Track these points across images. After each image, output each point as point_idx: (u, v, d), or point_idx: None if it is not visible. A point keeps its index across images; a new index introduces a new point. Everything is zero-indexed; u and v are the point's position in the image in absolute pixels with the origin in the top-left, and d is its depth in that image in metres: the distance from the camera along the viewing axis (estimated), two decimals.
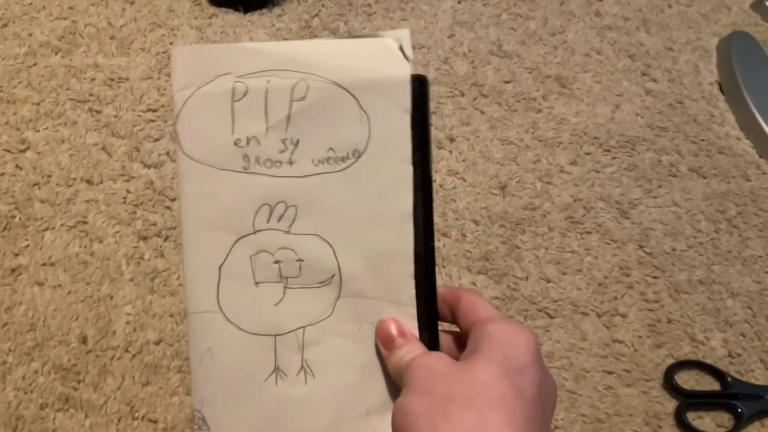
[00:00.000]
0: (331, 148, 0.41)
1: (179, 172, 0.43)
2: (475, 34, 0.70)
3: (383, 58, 0.41)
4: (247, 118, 0.42)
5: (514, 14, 0.72)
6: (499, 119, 0.65)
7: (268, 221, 0.42)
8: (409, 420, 0.34)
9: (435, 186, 0.60)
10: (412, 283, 0.41)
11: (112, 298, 0.52)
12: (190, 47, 0.44)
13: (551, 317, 0.55)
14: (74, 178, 0.56)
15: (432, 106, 0.64)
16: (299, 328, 0.43)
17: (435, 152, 0.62)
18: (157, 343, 0.50)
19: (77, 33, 0.63)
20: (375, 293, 0.42)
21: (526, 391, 0.34)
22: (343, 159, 0.41)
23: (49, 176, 0.56)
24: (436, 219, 0.58)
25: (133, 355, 0.50)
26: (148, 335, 0.50)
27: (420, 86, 0.40)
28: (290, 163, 0.42)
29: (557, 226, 0.59)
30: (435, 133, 0.63)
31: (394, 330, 0.40)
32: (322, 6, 0.69)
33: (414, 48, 0.68)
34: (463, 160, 0.62)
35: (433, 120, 0.64)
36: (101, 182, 0.56)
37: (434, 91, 0.65)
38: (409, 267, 0.41)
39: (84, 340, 0.50)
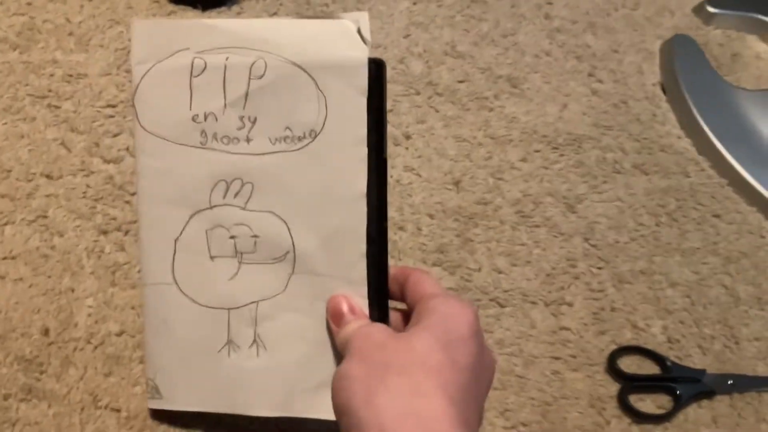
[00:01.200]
0: (288, 127, 0.42)
1: (136, 146, 0.44)
2: (429, 34, 0.72)
3: (341, 39, 0.41)
4: (205, 94, 0.43)
5: (467, 16, 0.74)
6: (453, 117, 0.67)
7: (224, 197, 0.43)
8: (346, 384, 0.36)
9: (392, 181, 0.62)
10: (364, 262, 0.43)
11: (73, 291, 0.52)
12: (150, 21, 0.45)
13: (502, 306, 0.57)
14: (34, 173, 0.56)
15: (388, 104, 0.66)
16: (252, 302, 0.44)
17: (392, 149, 0.64)
18: (119, 334, 0.51)
19: (35, 29, 0.63)
20: (328, 271, 0.43)
21: (462, 361, 0.36)
22: (299, 138, 0.42)
23: (9, 171, 0.56)
24: (393, 213, 0.60)
25: (95, 347, 0.50)
26: (109, 327, 0.51)
27: (377, 69, 0.41)
28: (247, 140, 0.43)
29: (508, 220, 0.62)
30: (391, 131, 0.65)
31: (344, 307, 0.42)
32: (280, 5, 0.71)
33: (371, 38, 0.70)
34: (419, 157, 0.64)
35: (390, 117, 0.66)
36: (61, 177, 0.57)
37: (390, 90, 0.67)
38: (362, 247, 0.42)
39: (46, 332, 0.50)
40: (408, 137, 0.65)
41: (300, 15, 0.70)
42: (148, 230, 0.45)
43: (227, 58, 0.42)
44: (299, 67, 0.42)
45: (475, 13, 0.75)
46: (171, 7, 0.68)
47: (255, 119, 0.43)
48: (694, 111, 0.72)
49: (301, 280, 0.43)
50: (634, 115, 0.71)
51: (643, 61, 0.76)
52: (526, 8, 0.77)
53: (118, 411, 0.48)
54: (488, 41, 0.73)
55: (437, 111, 0.67)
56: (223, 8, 0.69)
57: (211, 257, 0.44)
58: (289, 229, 0.43)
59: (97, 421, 0.47)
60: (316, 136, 0.42)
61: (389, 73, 0.68)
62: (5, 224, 0.54)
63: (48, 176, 0.56)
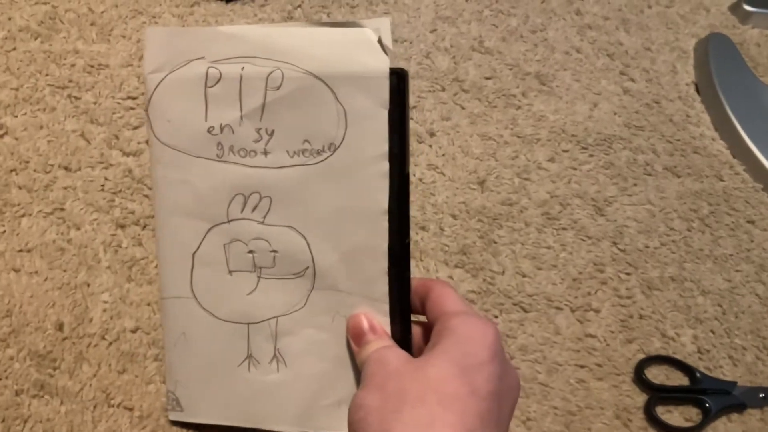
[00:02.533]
0: (306, 140, 0.41)
1: (152, 156, 0.43)
2: (457, 29, 0.70)
3: (361, 49, 0.40)
4: (220, 105, 0.41)
5: (495, 11, 0.73)
6: (479, 115, 0.65)
7: (242, 211, 0.42)
8: (361, 415, 0.34)
9: (414, 180, 0.60)
10: (385, 279, 0.41)
11: (88, 285, 0.51)
12: (164, 29, 0.43)
13: (526, 311, 0.56)
14: (52, 165, 0.56)
15: (413, 100, 0.65)
16: (272, 317, 0.43)
17: (415, 146, 0.62)
18: (134, 331, 0.50)
19: (57, 18, 0.63)
20: (348, 287, 0.42)
21: (481, 388, 0.34)
22: (318, 152, 0.41)
23: (27, 162, 0.55)
24: (415, 212, 0.59)
25: (110, 343, 0.50)
26: (124, 323, 0.50)
27: (398, 81, 0.40)
28: (265, 153, 0.42)
29: (534, 221, 0.60)
30: (415, 127, 0.63)
31: (365, 325, 0.41)
32: (303, 0, 0.69)
33: (396, 41, 0.68)
34: (443, 155, 0.62)
35: (414, 114, 0.64)
36: (79, 169, 0.56)
37: (415, 86, 0.66)
38: (384, 263, 0.41)
39: (60, 327, 0.49)
40: (432, 134, 0.63)
41: (324, 13, 0.69)
42: (165, 243, 0.44)
43: (243, 68, 0.41)
44: (317, 78, 0.40)
45: (503, 8, 0.73)
46: None
47: (272, 132, 0.41)
48: (729, 112, 0.69)
49: (321, 296, 0.42)
50: (666, 115, 0.69)
51: (677, 60, 0.73)
52: (556, 3, 0.75)
53: (131, 410, 0.47)
54: (517, 37, 0.71)
55: (463, 108, 0.65)
56: (247, 0, 0.68)
57: (230, 271, 0.43)
58: (308, 245, 0.42)
59: (109, 420, 0.47)
60: (335, 150, 0.40)
61: (414, 68, 0.67)
62: (22, 216, 0.53)
63: (66, 168, 0.56)
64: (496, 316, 0.55)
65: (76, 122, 0.58)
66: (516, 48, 0.70)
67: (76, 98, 0.59)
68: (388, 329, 0.41)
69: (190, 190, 0.43)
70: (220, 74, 0.41)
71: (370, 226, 0.41)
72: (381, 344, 0.39)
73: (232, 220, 0.42)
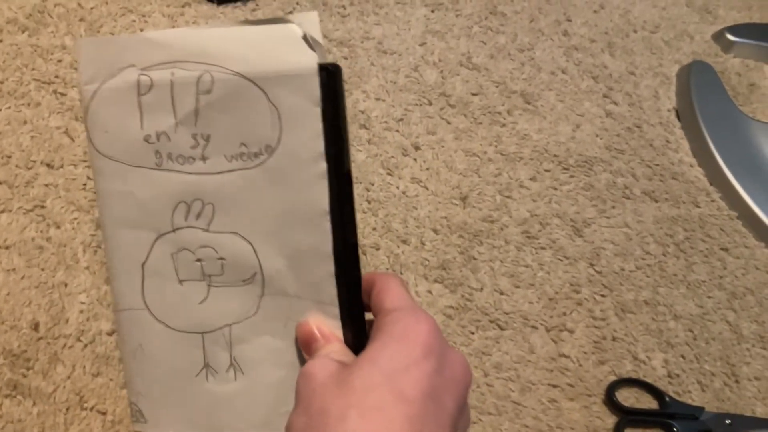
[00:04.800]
0: (243, 143, 0.40)
1: (93, 169, 0.42)
2: (446, 44, 0.71)
3: (288, 46, 0.39)
4: (155, 113, 0.41)
5: (485, 27, 0.73)
6: (464, 131, 0.66)
7: (186, 219, 0.42)
8: None
9: (398, 193, 0.61)
10: (333, 282, 0.41)
11: (66, 285, 0.51)
12: (93, 39, 0.42)
13: (502, 329, 0.56)
14: (34, 161, 0.55)
15: (399, 112, 0.65)
16: (226, 325, 0.43)
17: (400, 159, 0.62)
18: (110, 334, 0.50)
19: (46, 12, 0.62)
20: (297, 292, 0.42)
21: (410, 391, 0.32)
22: (255, 155, 0.40)
23: (9, 157, 0.55)
24: (397, 226, 0.59)
25: (85, 345, 0.49)
26: (101, 325, 0.50)
27: (329, 77, 0.38)
28: (203, 159, 0.41)
29: (513, 239, 0.61)
30: (401, 140, 0.64)
31: (314, 332, 0.40)
32: (297, 4, 0.70)
33: (385, 53, 0.69)
34: (427, 169, 0.63)
35: (400, 127, 0.64)
36: (62, 167, 0.55)
37: (402, 98, 0.66)
38: (329, 266, 0.40)
39: (36, 326, 0.49)
40: (417, 148, 0.64)
41: (285, 12, 0.69)
42: (114, 255, 0.43)
43: (173, 74, 0.40)
44: (247, 79, 0.39)
45: (493, 25, 0.74)
46: None
47: (208, 136, 0.40)
48: (708, 140, 0.71)
49: (272, 302, 0.42)
50: (647, 140, 0.70)
51: (660, 86, 0.75)
52: (544, 23, 0.76)
53: (104, 414, 0.47)
54: (504, 54, 0.72)
55: (449, 123, 0.66)
56: (238, 2, 0.68)
57: (180, 281, 0.42)
58: (254, 250, 0.41)
59: (81, 423, 0.46)
60: (272, 152, 0.40)
61: (402, 81, 0.67)
62: (1, 212, 0.53)
63: (49, 165, 0.55)
64: (473, 333, 0.56)
65: (60, 119, 0.57)
66: (503, 66, 0.71)
67: (62, 94, 0.58)
68: (339, 333, 0.41)
69: (132, 201, 0.42)
70: (151, 81, 0.40)
71: (312, 229, 0.40)
72: (327, 351, 0.39)
73: (177, 228, 0.42)
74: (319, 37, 0.38)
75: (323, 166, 0.39)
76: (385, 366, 0.33)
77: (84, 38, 0.43)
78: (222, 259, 0.42)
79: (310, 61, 0.38)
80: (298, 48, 0.38)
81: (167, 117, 0.40)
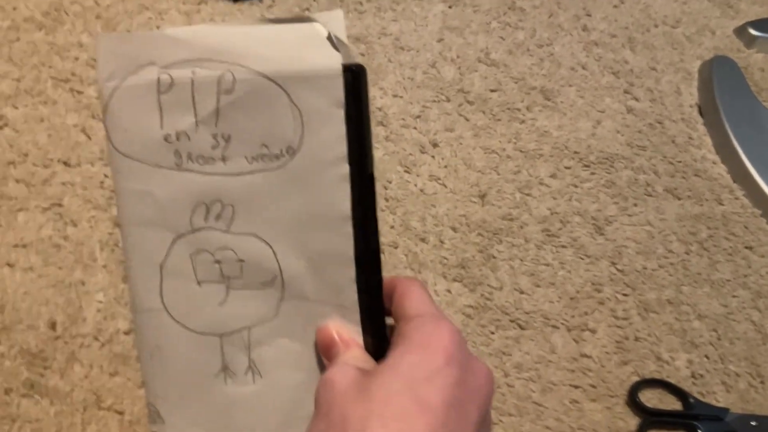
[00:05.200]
0: (264, 144, 0.39)
1: (111, 168, 0.41)
2: (464, 40, 0.70)
3: (311, 47, 0.38)
4: (175, 112, 0.40)
5: (503, 23, 0.72)
6: (483, 127, 0.65)
7: (205, 220, 0.41)
8: None
9: (416, 190, 0.60)
10: (354, 287, 0.40)
11: (83, 284, 0.51)
12: (114, 35, 0.42)
13: (522, 329, 0.56)
14: (51, 159, 0.55)
15: (417, 109, 0.65)
16: (244, 328, 0.42)
17: (418, 156, 0.62)
18: (128, 333, 0.50)
19: (62, 10, 0.62)
20: (318, 296, 0.41)
21: (433, 400, 0.32)
22: (277, 156, 0.39)
23: (26, 155, 0.55)
24: (415, 224, 0.58)
25: (102, 344, 0.49)
26: (118, 324, 0.50)
27: (353, 78, 0.37)
28: (223, 159, 0.40)
29: (534, 238, 0.60)
30: (419, 137, 0.63)
31: (334, 337, 0.39)
32: (314, 0, 0.69)
33: (402, 49, 0.68)
34: (445, 166, 0.62)
35: (418, 124, 0.64)
36: (79, 165, 0.55)
37: (420, 95, 0.65)
38: (350, 270, 0.39)
39: (53, 325, 0.49)
40: (435, 145, 0.63)
41: (301, 9, 0.68)
42: (132, 255, 0.42)
43: (194, 72, 0.39)
44: (269, 78, 0.38)
45: (511, 21, 0.73)
46: None
47: (229, 137, 0.39)
48: (731, 136, 0.69)
49: (291, 306, 0.41)
50: (669, 136, 0.69)
51: (681, 81, 0.74)
52: (564, 18, 0.75)
53: (122, 414, 0.47)
54: (523, 50, 0.71)
55: (467, 120, 0.65)
56: (255, 0, 0.67)
57: (198, 282, 0.41)
58: (274, 253, 0.40)
59: (99, 423, 0.46)
60: (294, 154, 0.39)
61: (420, 77, 0.66)
62: (19, 210, 0.53)
63: (66, 163, 0.55)
64: (493, 333, 0.55)
65: (77, 117, 0.57)
66: (522, 62, 0.70)
67: (79, 92, 0.58)
68: (360, 339, 0.40)
69: (151, 201, 0.41)
70: (172, 79, 0.39)
71: (333, 233, 0.39)
72: (347, 358, 0.38)
73: (196, 230, 0.41)
74: (343, 36, 0.37)
75: (346, 168, 0.38)
76: (406, 374, 0.33)
77: (103, 34, 0.43)
78: (241, 261, 0.41)
79: (334, 61, 0.37)
80: (323, 48, 0.37)
81: (188, 116, 0.39)
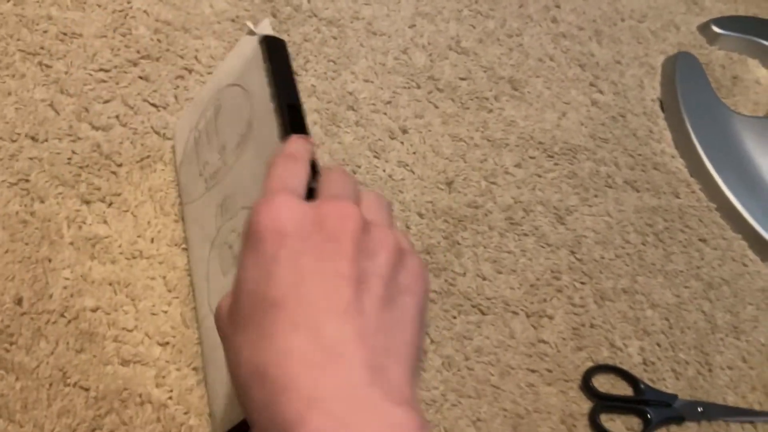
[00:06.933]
0: (238, 133, 0.47)
1: (185, 219, 0.53)
2: (435, 27, 0.71)
3: (246, 45, 0.47)
4: (202, 154, 0.50)
5: (474, 11, 0.73)
6: (452, 115, 0.66)
7: (222, 217, 0.47)
8: None
9: (384, 176, 0.61)
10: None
11: (50, 260, 0.51)
12: (182, 119, 0.57)
13: (483, 314, 0.57)
14: (19, 134, 0.54)
15: (387, 95, 0.65)
16: None
17: (387, 142, 0.63)
18: (94, 310, 0.50)
19: None
20: None
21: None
22: (244, 135, 0.46)
23: None
24: None
25: (69, 321, 0.49)
26: (85, 302, 0.50)
27: (267, 42, 0.45)
28: (224, 163, 0.47)
29: (497, 225, 0.61)
30: (388, 123, 0.64)
31: None
32: None
33: (374, 34, 0.69)
34: (414, 153, 0.63)
35: (388, 109, 0.64)
36: (46, 140, 0.55)
37: (391, 81, 0.66)
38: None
39: (19, 301, 0.49)
40: (405, 131, 0.64)
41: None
42: (195, 274, 0.50)
43: (207, 115, 0.51)
44: (233, 84, 0.47)
45: (482, 9, 0.74)
46: None
47: (224, 145, 0.48)
48: (690, 132, 0.72)
49: None
50: (631, 129, 0.71)
51: (645, 76, 0.75)
52: (533, 9, 0.76)
53: (87, 390, 0.47)
54: (493, 39, 0.72)
55: (436, 107, 0.66)
56: None
57: (223, 273, 0.46)
58: None
59: (64, 399, 0.46)
60: (251, 123, 0.45)
61: (391, 63, 0.67)
62: None
63: (33, 138, 0.55)
64: (455, 317, 0.56)
65: (45, 91, 0.57)
66: (492, 51, 0.71)
67: (47, 66, 0.58)
68: None
69: (198, 227, 0.50)
70: (198, 133, 0.50)
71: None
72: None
73: (218, 228, 0.47)
74: (271, 31, 0.47)
75: (272, 104, 0.44)
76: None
77: (179, 120, 0.57)
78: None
79: (256, 40, 0.46)
80: (250, 40, 0.47)
81: (211, 152, 0.50)
